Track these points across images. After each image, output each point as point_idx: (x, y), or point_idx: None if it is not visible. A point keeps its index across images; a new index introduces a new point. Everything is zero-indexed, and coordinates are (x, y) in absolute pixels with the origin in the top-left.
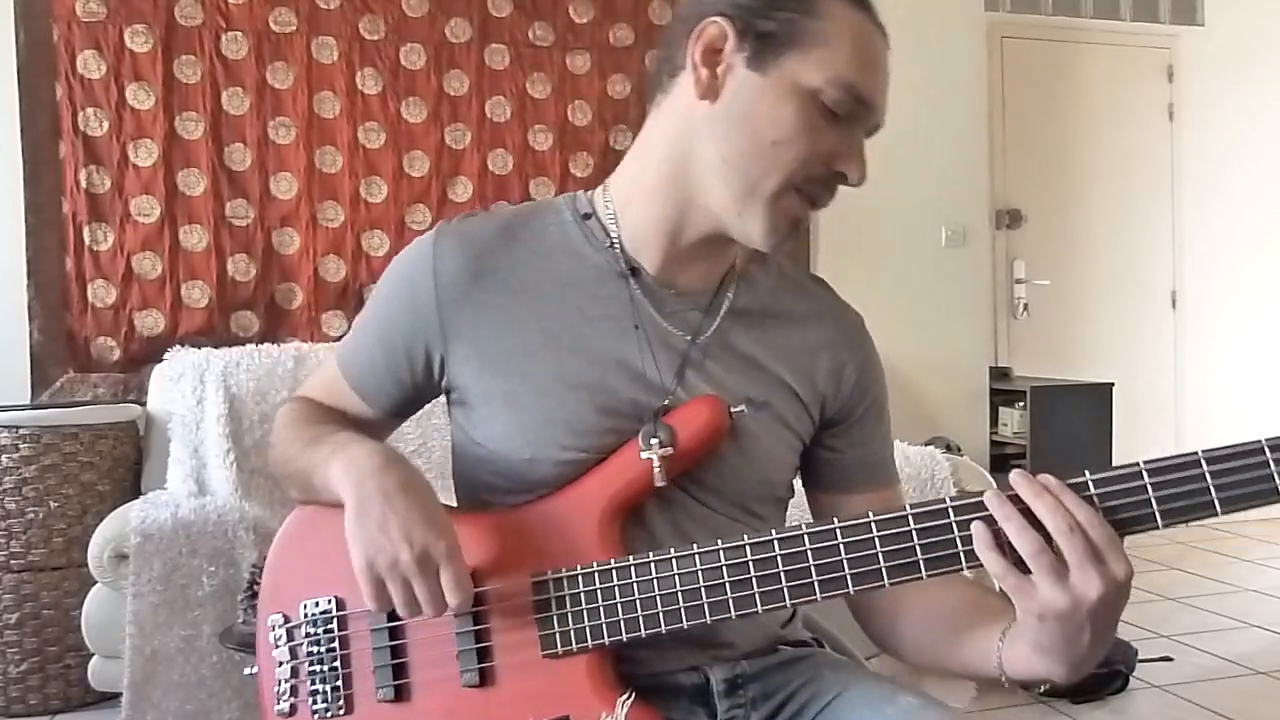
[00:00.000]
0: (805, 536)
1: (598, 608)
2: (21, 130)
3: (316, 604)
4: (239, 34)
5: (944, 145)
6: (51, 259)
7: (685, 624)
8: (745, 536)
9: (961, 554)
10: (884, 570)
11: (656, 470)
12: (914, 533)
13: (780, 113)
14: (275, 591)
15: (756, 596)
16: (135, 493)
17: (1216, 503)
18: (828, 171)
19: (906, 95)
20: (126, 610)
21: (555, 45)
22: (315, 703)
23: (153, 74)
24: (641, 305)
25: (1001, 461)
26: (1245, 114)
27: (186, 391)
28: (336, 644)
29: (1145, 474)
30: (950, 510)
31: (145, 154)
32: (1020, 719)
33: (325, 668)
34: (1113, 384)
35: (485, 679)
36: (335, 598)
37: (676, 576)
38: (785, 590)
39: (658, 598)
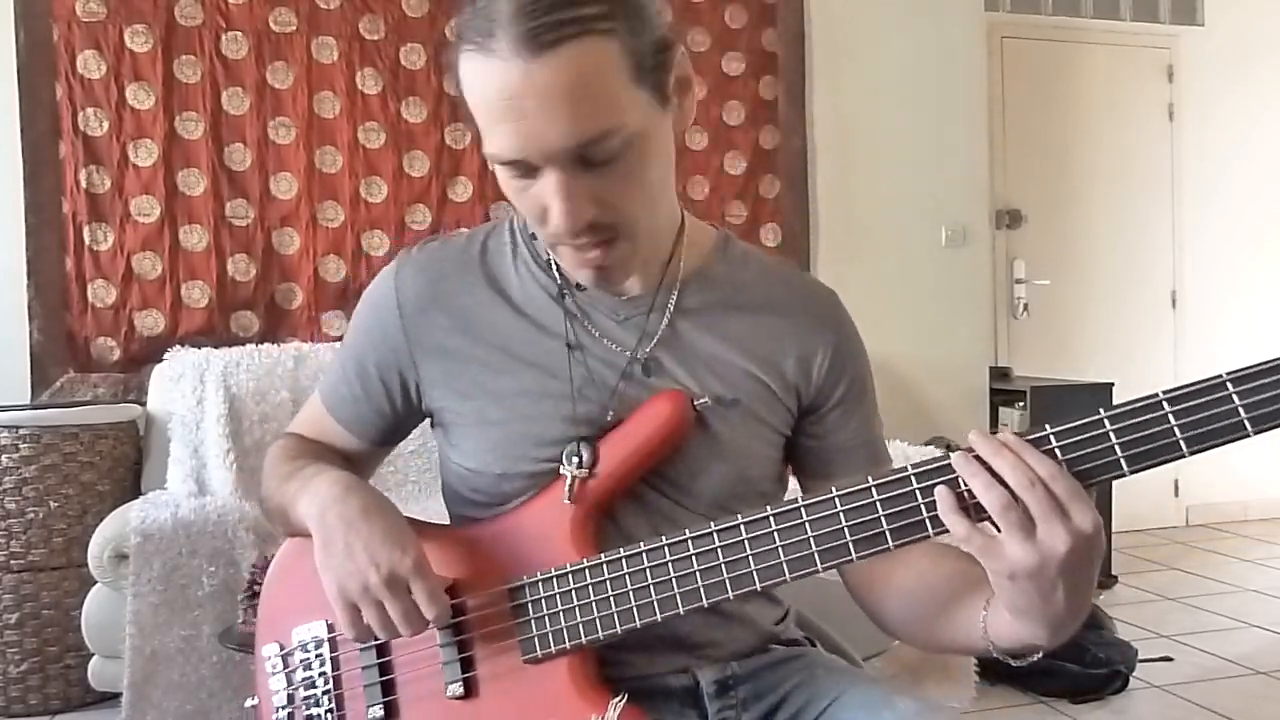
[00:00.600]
0: (771, 518)
1: (573, 608)
2: (21, 130)
3: (309, 629)
4: (239, 34)
5: (944, 145)
6: (51, 259)
7: (659, 616)
8: (712, 524)
9: (927, 520)
10: (850, 544)
11: (566, 489)
12: (878, 504)
13: (500, 178)
14: (270, 622)
15: (726, 582)
16: (135, 493)
17: (1182, 443)
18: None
19: (907, 95)
20: (126, 610)
21: None
22: None
23: (153, 74)
24: (580, 322)
25: None
26: (1245, 114)
27: (186, 391)
28: (328, 667)
29: (1107, 422)
30: (913, 478)
31: (145, 154)
32: (1020, 719)
33: (319, 691)
34: (1113, 384)
35: (470, 690)
36: (326, 622)
37: (647, 570)
38: (754, 574)
39: (630, 593)
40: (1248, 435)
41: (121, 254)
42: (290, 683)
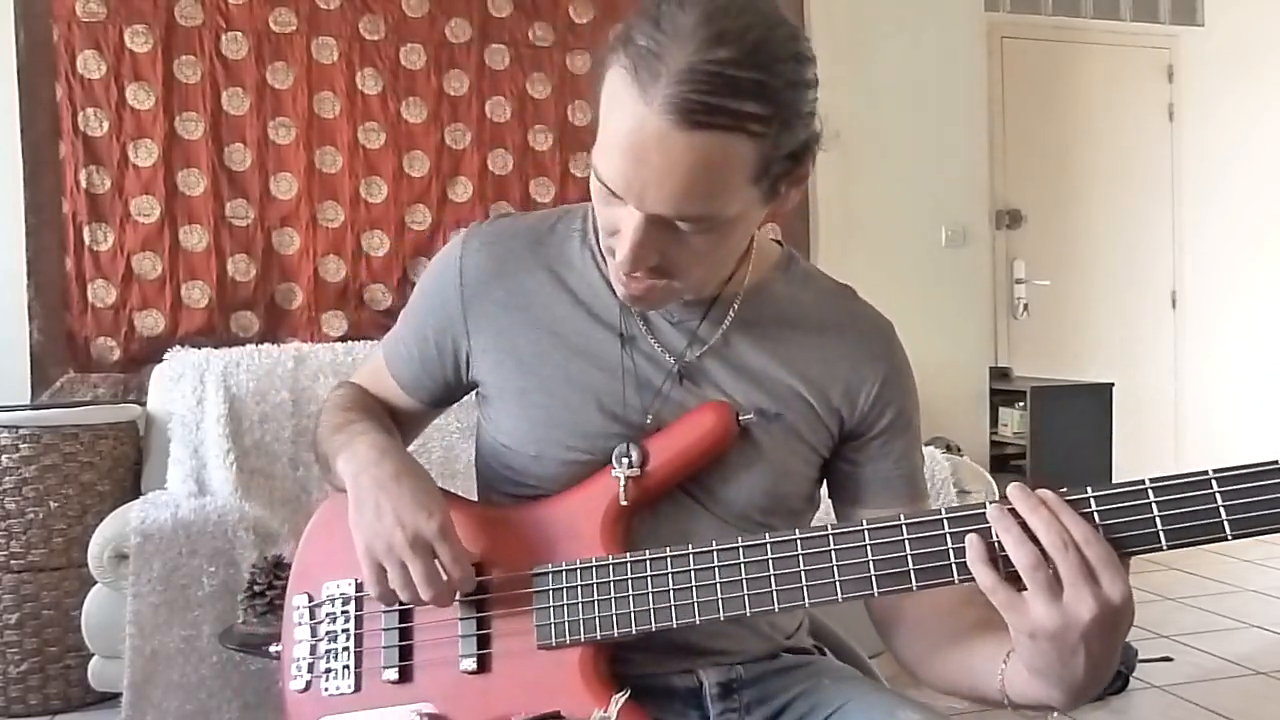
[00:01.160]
0: (798, 542)
1: (592, 602)
2: (21, 130)
3: (338, 585)
4: (239, 34)
5: (944, 145)
6: (51, 259)
7: (675, 623)
8: (740, 539)
9: (954, 566)
10: (874, 579)
11: (621, 490)
12: (907, 542)
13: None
14: (302, 573)
15: (746, 599)
16: (135, 493)
17: (1226, 525)
18: (615, 244)
19: (907, 95)
20: (126, 610)
21: (555, 45)
22: (328, 680)
23: (153, 74)
24: (635, 320)
25: (1001, 462)
26: (1245, 114)
27: (186, 391)
28: (352, 624)
29: (1151, 492)
30: (945, 521)
31: (145, 154)
32: (1020, 718)
33: (340, 646)
34: (1113, 384)
35: (482, 665)
36: (355, 580)
37: (669, 576)
38: (774, 594)
39: (649, 596)
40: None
41: (121, 254)
42: (314, 634)
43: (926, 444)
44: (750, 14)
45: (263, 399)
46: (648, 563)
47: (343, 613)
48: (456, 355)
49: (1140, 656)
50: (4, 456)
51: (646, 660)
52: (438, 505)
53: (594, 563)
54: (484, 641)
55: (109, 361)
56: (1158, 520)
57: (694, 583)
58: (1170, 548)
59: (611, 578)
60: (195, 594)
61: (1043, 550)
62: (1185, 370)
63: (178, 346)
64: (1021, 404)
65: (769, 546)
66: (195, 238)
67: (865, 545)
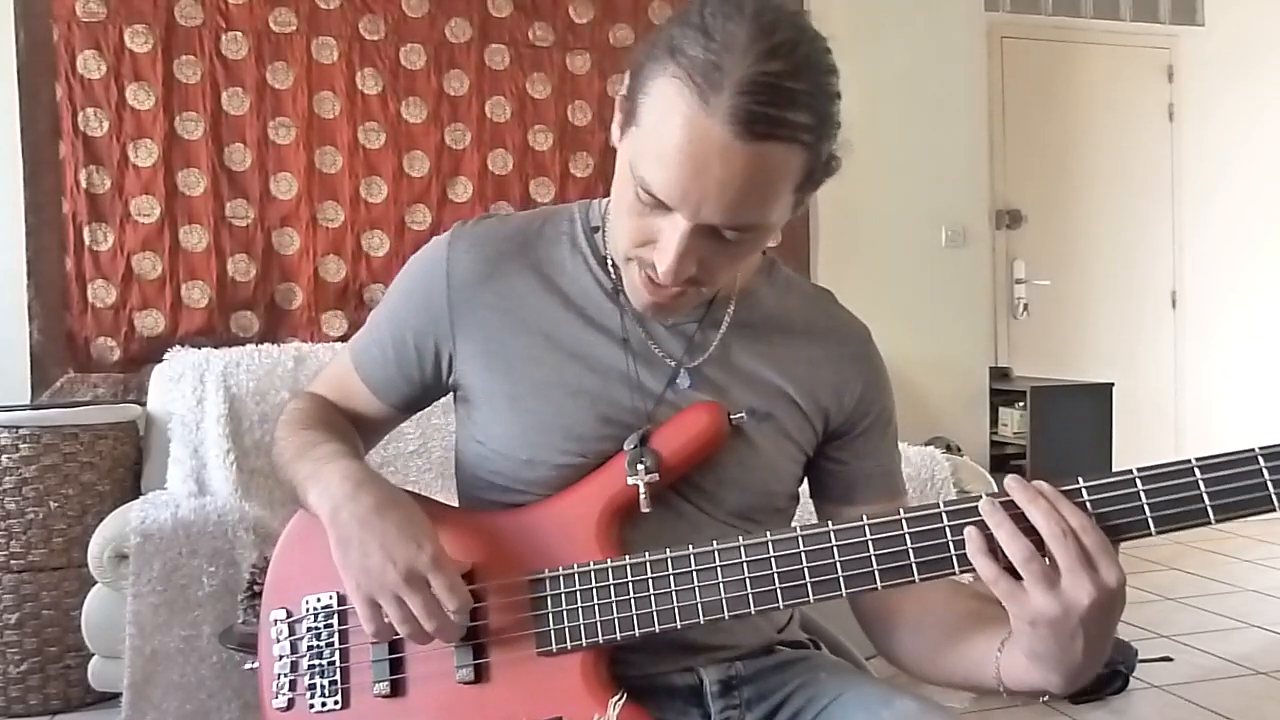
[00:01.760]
0: (800, 539)
1: (592, 606)
2: (21, 130)
3: (319, 599)
4: (239, 34)
5: (944, 145)
6: (51, 259)
7: (679, 624)
8: (740, 538)
9: (954, 558)
10: (877, 573)
11: (643, 497)
12: (907, 536)
13: (621, 183)
14: (279, 587)
15: (750, 598)
16: (135, 493)
17: (1210, 510)
18: (649, 255)
19: (907, 95)
20: (126, 610)
21: (555, 45)
22: (312, 696)
23: (153, 74)
24: (631, 324)
25: (1001, 462)
26: (1245, 114)
27: (186, 391)
28: (336, 638)
29: (1139, 481)
30: (944, 514)
31: (145, 154)
32: (1020, 719)
33: (324, 661)
34: (1113, 384)
35: (480, 676)
36: (337, 593)
37: (671, 577)
38: (779, 591)
39: (652, 598)
40: (1274, 509)
41: (121, 254)
42: (295, 650)
43: (926, 443)
44: (794, 27)
45: (263, 399)
46: (648, 565)
47: (325, 626)
48: (438, 358)
49: (1140, 656)
50: (4, 456)
51: (645, 660)
52: (426, 534)
53: (593, 567)
54: (480, 651)
55: (109, 361)
56: (1146, 508)
57: (696, 583)
58: (1159, 533)
59: (612, 581)
60: (195, 594)
61: (1040, 540)
62: (1185, 370)
63: (178, 346)
64: (1021, 404)
65: (770, 544)
66: (195, 238)
67: (867, 540)
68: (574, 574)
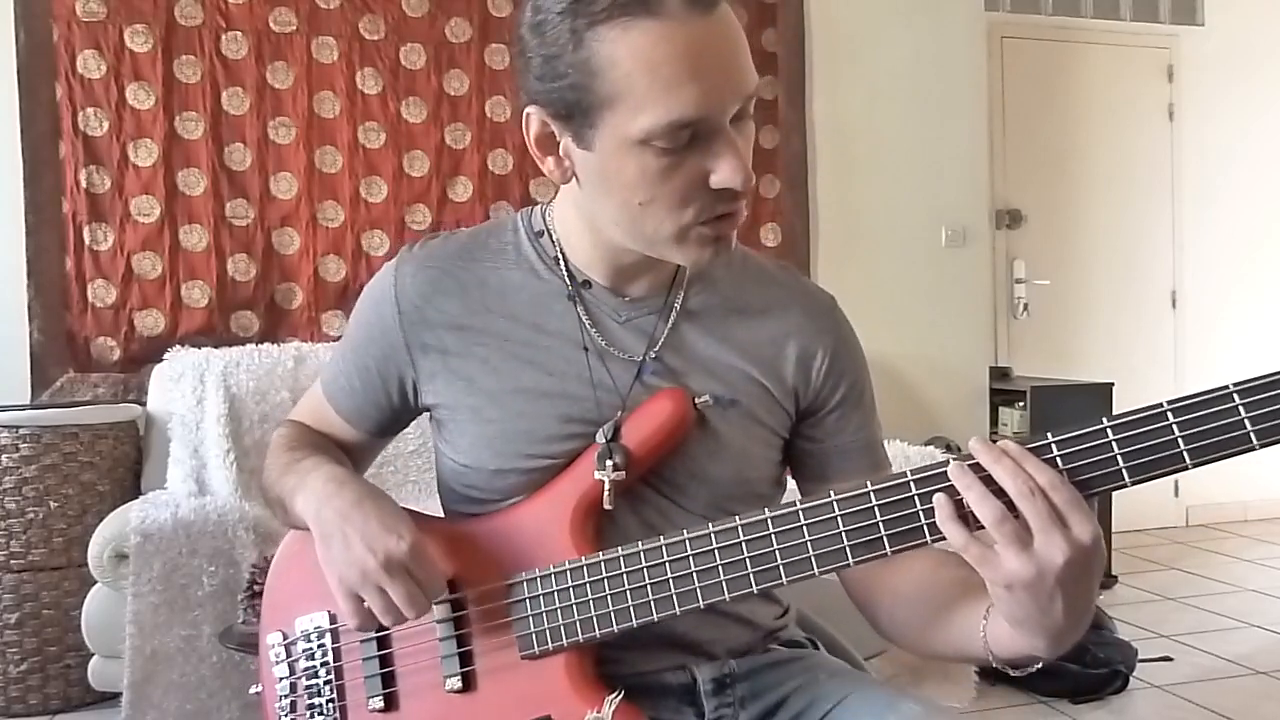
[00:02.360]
0: (769, 520)
1: (570, 606)
2: (21, 130)
3: (311, 619)
4: (239, 34)
5: (944, 145)
6: (51, 259)
7: (655, 617)
8: (710, 525)
9: (925, 527)
10: (848, 549)
11: (606, 493)
12: (876, 509)
13: (627, 176)
14: (273, 611)
15: (723, 584)
16: (135, 493)
17: (1185, 455)
18: (712, 193)
19: (907, 95)
20: (126, 610)
21: None
22: (313, 717)
23: (153, 74)
24: (587, 325)
25: None
26: (1245, 114)
27: (186, 391)
28: (330, 656)
29: (1110, 431)
30: (912, 484)
31: (145, 154)
32: (1020, 719)
33: (321, 681)
34: (1113, 384)
35: (468, 683)
36: (329, 612)
37: (645, 570)
38: (751, 576)
39: (628, 592)
40: (1253, 448)
41: (121, 254)
42: (293, 671)
43: (926, 443)
44: None
45: (263, 399)
46: (621, 559)
47: (319, 647)
48: (402, 382)
49: (1140, 656)
50: (4, 456)
51: (636, 658)
52: (405, 525)
53: (567, 566)
54: (466, 659)
55: (109, 361)
56: (1119, 458)
57: (669, 574)
58: (1134, 482)
59: (587, 579)
60: (195, 594)
61: (1009, 500)
62: (1185, 370)
63: (178, 346)
64: (1021, 404)
65: (740, 529)
66: (195, 238)
67: (835, 516)
68: (550, 575)
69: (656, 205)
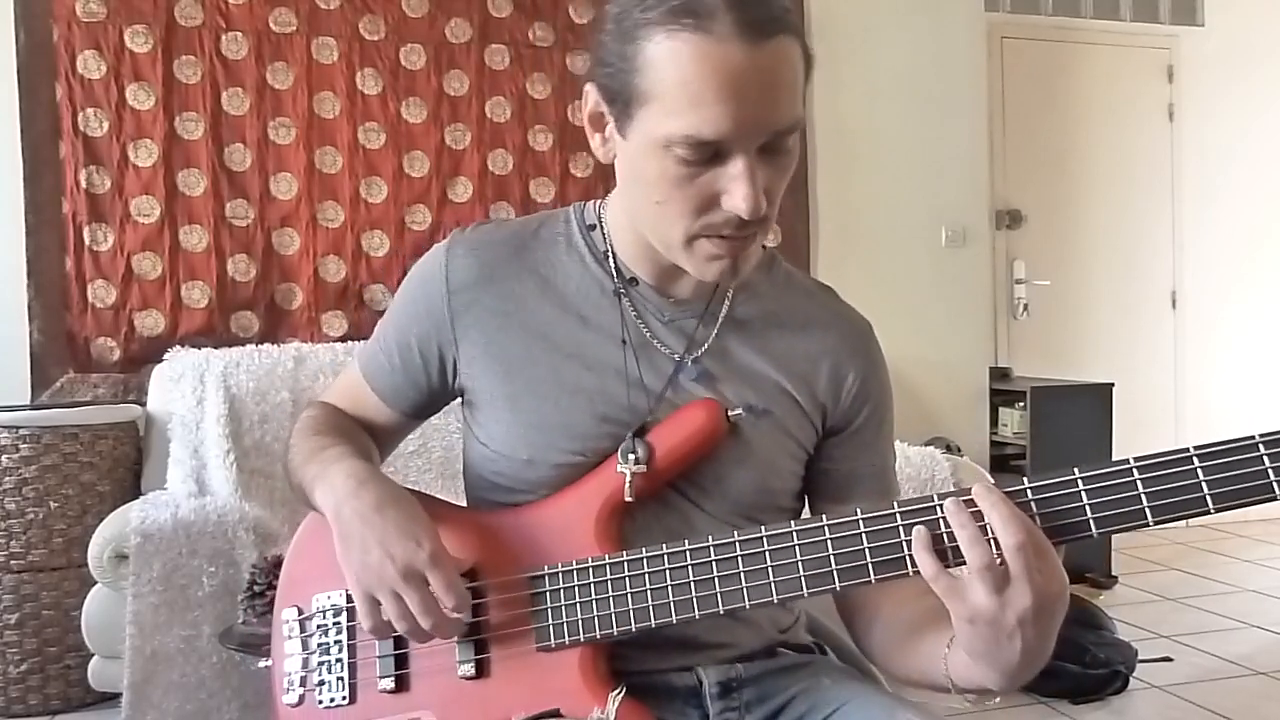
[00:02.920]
0: (794, 533)
1: (590, 602)
2: (21, 130)
3: (328, 597)
4: (239, 34)
5: (944, 145)
6: (51, 259)
7: (674, 619)
8: (735, 533)
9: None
10: (870, 566)
11: (627, 485)
12: (864, 536)
13: (650, 174)
14: (290, 586)
15: (744, 592)
16: (135, 493)
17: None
18: (722, 213)
19: (907, 95)
20: (126, 610)
21: (555, 45)
22: (321, 693)
23: (153, 74)
24: (633, 320)
25: (1001, 462)
26: (1245, 114)
27: (186, 392)
28: (344, 635)
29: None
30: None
31: (145, 154)
32: (1020, 719)
33: (333, 658)
34: (1113, 384)
35: (481, 671)
36: (346, 591)
37: (667, 572)
38: (773, 586)
39: (648, 593)
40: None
41: (121, 254)
42: (306, 647)
43: (926, 444)
44: None
45: (263, 399)
46: (644, 560)
47: (334, 624)
48: (443, 362)
49: (1140, 656)
50: (4, 456)
51: (645, 658)
52: (425, 532)
53: (590, 563)
54: (481, 646)
55: (109, 361)
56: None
57: (691, 578)
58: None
59: (609, 576)
60: (195, 594)
61: (997, 545)
62: (1185, 370)
63: (178, 346)
64: (1021, 404)
65: (765, 539)
66: (195, 238)
67: (860, 534)
68: (572, 570)
69: (669, 208)
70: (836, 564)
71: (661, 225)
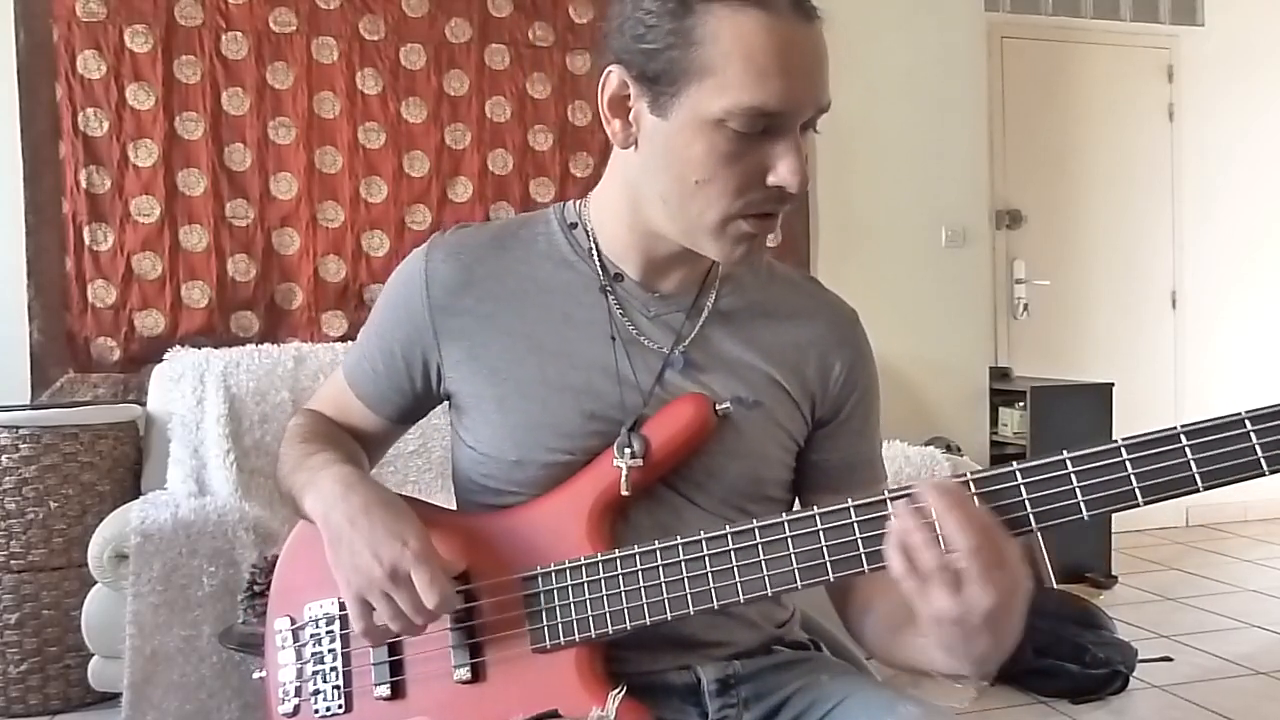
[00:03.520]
0: (786, 524)
1: (584, 601)
2: (21, 130)
3: (320, 606)
4: (239, 34)
5: (944, 145)
6: (51, 259)
7: (669, 616)
8: (727, 528)
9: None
10: (863, 556)
11: (623, 479)
12: (855, 525)
13: (693, 152)
14: (282, 596)
15: (738, 586)
16: (135, 493)
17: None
18: (765, 189)
19: (907, 95)
20: (126, 610)
21: (555, 45)
22: (317, 702)
23: (153, 74)
24: (619, 316)
25: (1001, 462)
26: (1245, 114)
27: (186, 391)
28: (338, 643)
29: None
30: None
31: (145, 154)
32: (1020, 719)
33: (327, 667)
34: (1113, 384)
35: (477, 674)
36: (338, 599)
37: (661, 568)
38: (766, 579)
39: (641, 590)
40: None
41: (121, 254)
42: (300, 657)
43: (926, 443)
44: None
45: (263, 399)
46: (637, 557)
47: (328, 633)
48: (426, 367)
49: (1140, 656)
50: (4, 456)
51: (642, 657)
52: (412, 531)
53: (583, 561)
54: (476, 650)
55: (109, 361)
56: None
57: (685, 574)
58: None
59: (602, 575)
60: (195, 594)
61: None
62: (1185, 370)
63: (178, 346)
64: (1021, 404)
65: (757, 531)
66: (195, 238)
67: (852, 523)
68: (565, 570)
69: (711, 186)
70: (829, 555)
71: (695, 206)
